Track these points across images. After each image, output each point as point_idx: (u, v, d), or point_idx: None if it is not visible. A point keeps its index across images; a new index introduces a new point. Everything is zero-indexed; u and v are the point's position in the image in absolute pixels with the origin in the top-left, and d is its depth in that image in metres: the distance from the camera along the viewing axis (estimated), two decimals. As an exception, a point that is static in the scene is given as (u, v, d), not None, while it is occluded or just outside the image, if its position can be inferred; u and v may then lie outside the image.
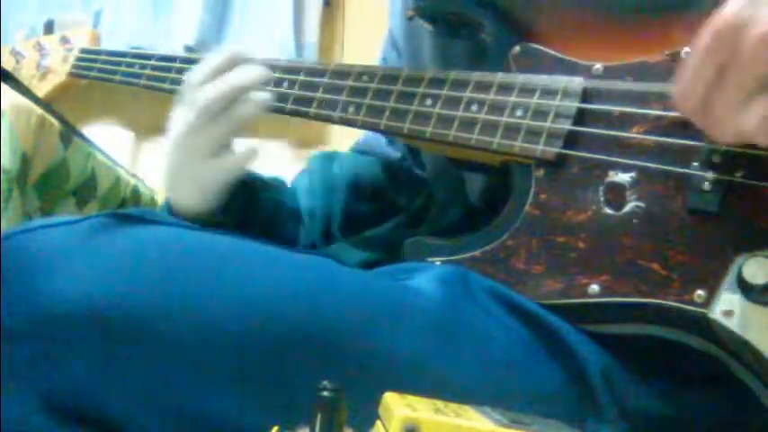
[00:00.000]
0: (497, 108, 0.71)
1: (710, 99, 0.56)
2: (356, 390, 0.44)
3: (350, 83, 0.78)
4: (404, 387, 0.48)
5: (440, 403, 0.46)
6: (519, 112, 0.70)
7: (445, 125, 0.73)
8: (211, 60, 0.78)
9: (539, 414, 0.52)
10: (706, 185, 0.62)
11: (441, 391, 0.49)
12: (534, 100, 0.70)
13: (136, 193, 1.22)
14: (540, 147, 0.68)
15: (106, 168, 1.15)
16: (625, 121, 0.66)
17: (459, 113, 0.72)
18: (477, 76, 0.73)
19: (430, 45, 0.85)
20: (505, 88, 0.71)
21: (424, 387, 0.49)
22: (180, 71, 0.89)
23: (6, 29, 1.59)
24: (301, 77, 0.81)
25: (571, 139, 0.68)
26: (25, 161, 0.97)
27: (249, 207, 0.84)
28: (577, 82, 0.69)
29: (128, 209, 1.06)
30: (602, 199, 0.66)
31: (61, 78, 1.05)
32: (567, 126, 0.68)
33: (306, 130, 1.95)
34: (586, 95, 0.68)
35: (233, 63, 0.77)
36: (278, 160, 1.95)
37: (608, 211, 0.65)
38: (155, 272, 0.57)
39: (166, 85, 0.90)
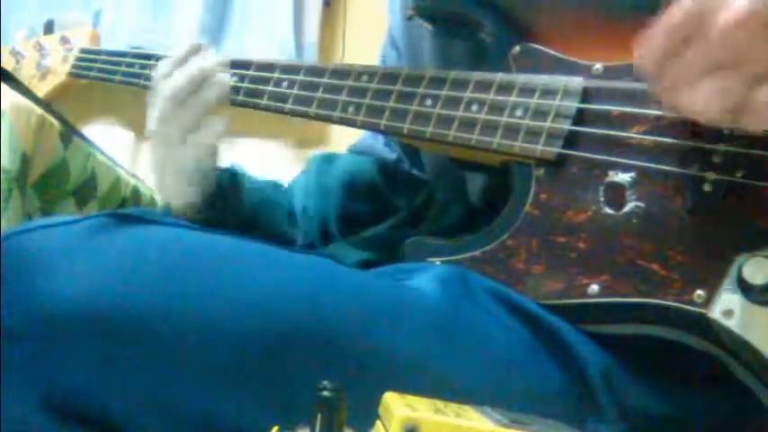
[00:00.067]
0: (497, 108, 0.71)
1: (667, 66, 0.57)
2: (356, 390, 0.44)
3: (350, 83, 0.78)
4: (404, 387, 0.48)
5: (440, 403, 0.46)
6: (519, 112, 0.70)
7: (445, 125, 0.73)
8: (175, 54, 0.83)
9: (539, 414, 0.52)
10: (706, 185, 0.62)
11: (441, 391, 0.49)
12: (534, 100, 0.70)
13: (136, 193, 1.22)
14: (540, 147, 0.68)
15: (106, 168, 1.15)
16: (625, 120, 0.66)
17: (459, 113, 0.72)
18: (477, 76, 0.73)
19: (430, 45, 0.85)
20: (505, 88, 0.71)
21: (424, 387, 0.49)
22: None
23: (6, 29, 1.59)
24: (301, 77, 0.82)
25: (571, 139, 0.68)
26: (25, 161, 0.97)
27: (230, 200, 0.86)
28: (577, 82, 0.69)
29: (128, 209, 1.06)
30: (601, 199, 0.66)
31: (61, 78, 1.05)
32: (566, 126, 0.68)
33: (306, 130, 1.95)
34: (586, 95, 0.68)
35: (194, 54, 0.82)
36: (278, 160, 1.95)
37: (608, 211, 0.65)
38: (154, 272, 0.57)
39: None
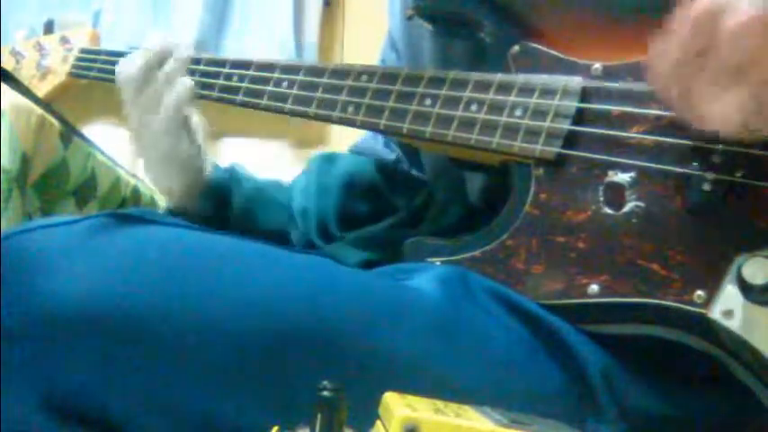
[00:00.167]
0: (497, 108, 0.71)
1: (689, 85, 0.57)
2: (356, 390, 0.44)
3: (349, 83, 0.78)
4: (404, 387, 0.48)
5: (440, 403, 0.46)
6: (518, 112, 0.70)
7: (444, 125, 0.73)
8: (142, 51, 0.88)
9: (539, 414, 0.52)
10: (706, 185, 0.62)
11: (441, 391, 0.49)
12: (533, 100, 0.70)
13: (136, 193, 1.22)
14: (540, 146, 0.68)
15: (106, 168, 1.15)
16: (624, 120, 0.66)
17: (459, 113, 0.72)
18: (476, 75, 0.73)
19: (429, 45, 0.85)
20: (505, 88, 0.71)
21: (424, 387, 0.49)
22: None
23: (6, 29, 1.58)
24: (301, 77, 0.82)
25: (570, 139, 0.68)
26: (25, 161, 0.97)
27: (224, 194, 0.89)
28: (577, 81, 0.69)
29: (128, 209, 1.06)
30: (601, 199, 0.66)
31: (61, 78, 1.05)
32: (566, 126, 0.68)
33: (306, 130, 1.95)
34: (586, 95, 0.68)
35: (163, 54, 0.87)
36: (278, 160, 1.95)
37: (608, 210, 0.65)
38: (154, 272, 0.57)
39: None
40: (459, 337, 0.63)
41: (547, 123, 0.69)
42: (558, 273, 0.66)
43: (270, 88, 0.83)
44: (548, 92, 0.69)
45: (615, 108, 0.67)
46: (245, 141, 1.97)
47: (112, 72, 0.97)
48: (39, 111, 0.97)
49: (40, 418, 0.53)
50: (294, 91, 0.82)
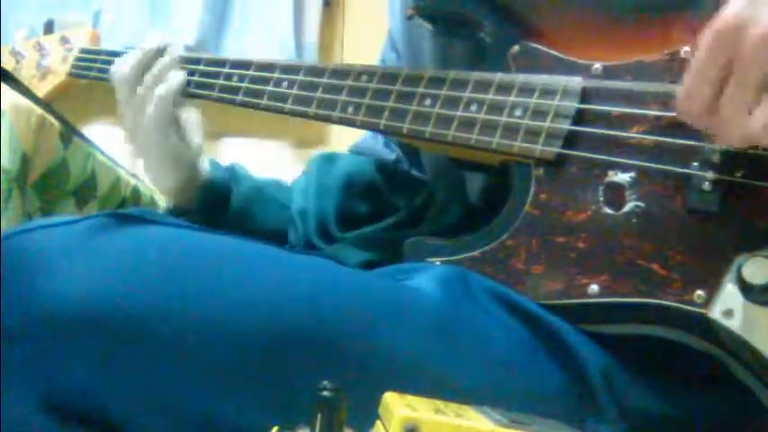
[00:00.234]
0: (497, 108, 0.71)
1: (716, 101, 0.57)
2: (356, 390, 0.44)
3: (349, 83, 0.78)
4: (404, 387, 0.48)
5: (440, 403, 0.46)
6: (518, 112, 0.70)
7: (444, 125, 0.73)
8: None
9: (539, 414, 0.52)
10: (706, 185, 0.62)
11: (441, 391, 0.49)
12: (533, 100, 0.70)
13: (136, 193, 1.22)
14: (540, 147, 0.68)
15: (106, 168, 1.14)
16: (624, 120, 0.66)
17: (459, 113, 0.72)
18: (476, 75, 0.73)
19: (429, 45, 0.85)
20: (505, 88, 0.71)
21: (424, 387, 0.49)
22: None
23: (6, 29, 1.59)
24: (301, 77, 0.82)
25: (570, 139, 0.68)
26: (25, 161, 0.97)
27: (222, 192, 0.90)
28: (577, 81, 0.69)
29: (128, 209, 1.06)
30: (601, 199, 0.66)
31: (61, 78, 1.05)
32: (566, 126, 0.68)
33: (306, 131, 1.95)
34: (586, 95, 0.68)
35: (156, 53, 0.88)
36: (278, 160, 1.95)
37: (607, 210, 0.65)
38: (154, 272, 0.57)
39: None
40: (459, 337, 0.63)
41: (547, 123, 0.69)
42: (558, 273, 0.66)
43: (270, 88, 0.83)
44: (548, 92, 0.69)
45: (615, 108, 0.67)
46: (245, 141, 1.97)
47: (112, 72, 0.97)
48: (39, 111, 0.97)
49: (40, 418, 0.53)
50: (294, 91, 0.82)
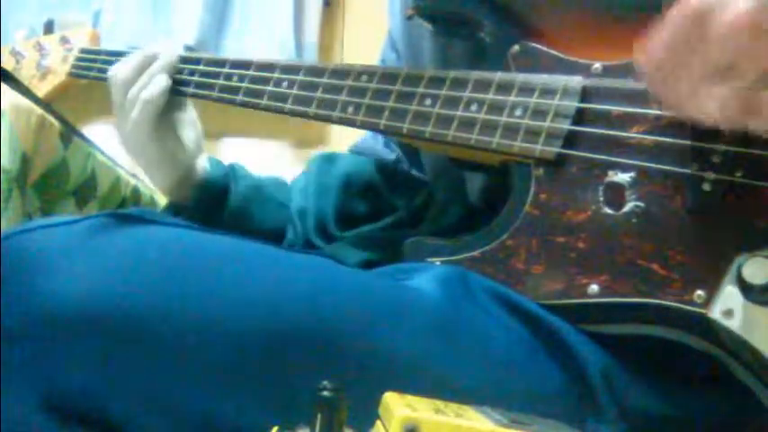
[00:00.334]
0: (497, 108, 0.71)
1: (673, 74, 0.56)
2: (356, 390, 0.44)
3: (349, 83, 0.78)
4: (404, 387, 0.48)
5: (440, 403, 0.46)
6: (518, 112, 0.70)
7: (444, 125, 0.73)
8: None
9: (539, 414, 0.52)
10: (706, 185, 0.62)
11: (441, 391, 0.49)
12: (533, 99, 0.70)
13: (136, 193, 1.22)
14: (540, 146, 0.68)
15: (106, 168, 1.14)
16: (624, 120, 0.66)
17: (459, 113, 0.72)
18: (476, 75, 0.73)
19: (429, 45, 0.86)
20: (505, 88, 0.71)
21: (424, 387, 0.49)
22: (180, 71, 0.89)
23: (6, 29, 1.59)
24: (301, 77, 0.82)
25: (570, 139, 0.68)
26: (25, 161, 0.97)
27: (220, 191, 0.91)
28: (577, 81, 0.69)
29: (128, 209, 1.06)
30: (601, 199, 0.66)
31: (61, 78, 1.05)
32: (566, 126, 0.68)
33: (306, 130, 1.95)
34: (586, 95, 0.68)
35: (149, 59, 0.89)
36: (278, 160, 1.95)
37: (607, 210, 0.65)
38: (154, 272, 0.57)
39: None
40: (459, 337, 0.63)
41: (547, 123, 0.69)
42: (558, 273, 0.66)
43: (270, 88, 0.83)
44: (548, 92, 0.69)
45: (615, 108, 0.67)
46: (245, 141, 1.97)
47: (113, 72, 0.98)
48: (39, 111, 0.97)
49: (40, 418, 0.53)
50: (294, 91, 0.82)
